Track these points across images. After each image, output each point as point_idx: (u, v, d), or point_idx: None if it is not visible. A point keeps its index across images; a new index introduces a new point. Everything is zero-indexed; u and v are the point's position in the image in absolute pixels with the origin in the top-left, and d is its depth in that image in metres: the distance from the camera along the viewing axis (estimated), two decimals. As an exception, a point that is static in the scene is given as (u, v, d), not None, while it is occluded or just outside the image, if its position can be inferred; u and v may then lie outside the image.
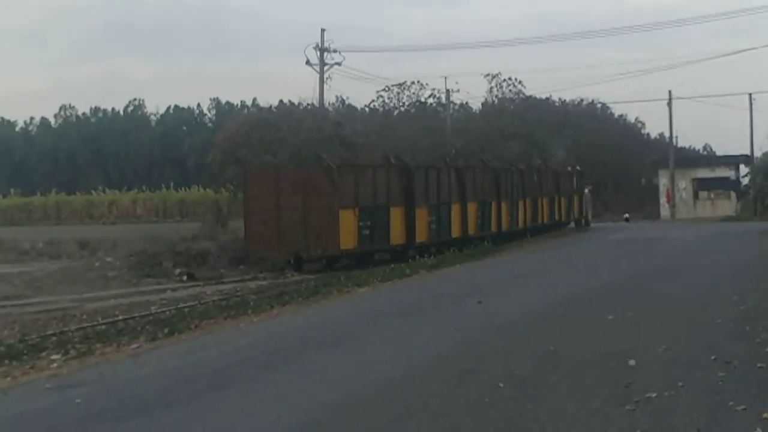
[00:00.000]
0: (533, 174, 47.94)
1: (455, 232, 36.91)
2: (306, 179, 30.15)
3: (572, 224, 54.52)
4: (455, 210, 37.08)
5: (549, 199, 49.67)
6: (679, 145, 79.19)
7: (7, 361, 14.39)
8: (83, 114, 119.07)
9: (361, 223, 30.71)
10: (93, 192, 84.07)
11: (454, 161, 40.73)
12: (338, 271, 28.52)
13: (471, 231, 38.15)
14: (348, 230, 30.07)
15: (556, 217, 51.11)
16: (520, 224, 44.66)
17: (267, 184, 30.71)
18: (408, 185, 33.77)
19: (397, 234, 32.78)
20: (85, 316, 20.76)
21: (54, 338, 16.59)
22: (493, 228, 40.80)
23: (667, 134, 75.97)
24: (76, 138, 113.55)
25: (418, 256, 31.65)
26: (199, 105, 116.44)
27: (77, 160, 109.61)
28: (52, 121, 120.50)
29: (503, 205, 42.19)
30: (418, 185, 34.32)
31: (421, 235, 34.12)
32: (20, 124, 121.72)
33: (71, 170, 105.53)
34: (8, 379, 12.98)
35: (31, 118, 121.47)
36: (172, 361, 14.32)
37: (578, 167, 57.29)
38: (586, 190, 57.93)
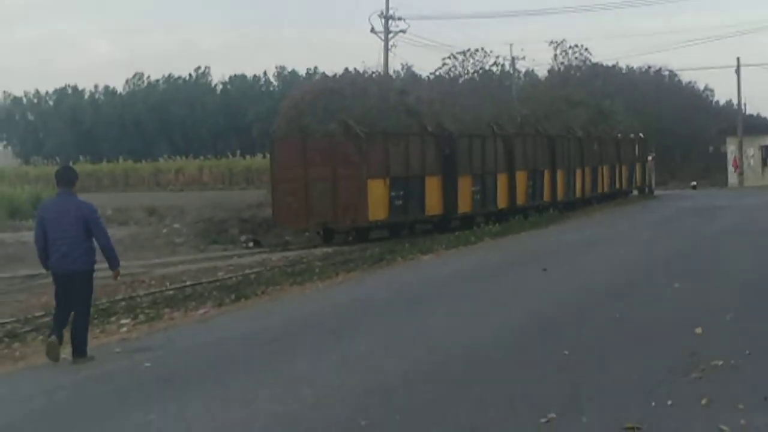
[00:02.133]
0: (593, 142, 47.15)
1: (501, 202, 36.11)
2: (334, 148, 29.15)
3: (635, 192, 53.99)
4: (502, 179, 36.18)
5: (610, 167, 48.94)
6: (748, 112, 78.05)
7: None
8: (156, 80, 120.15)
9: (393, 194, 29.90)
10: (160, 159, 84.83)
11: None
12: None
13: (520, 201, 37.36)
14: (378, 201, 29.30)
15: (617, 186, 50.37)
16: (578, 193, 43.99)
17: (295, 153, 29.69)
18: (451, 154, 32.95)
19: (433, 204, 31.94)
20: (153, 282, 21.05)
21: (123, 303, 16.86)
22: (546, 198, 40.09)
23: (735, 101, 75.07)
24: (143, 106, 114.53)
25: (483, 225, 31.56)
26: (265, 73, 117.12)
27: (144, 127, 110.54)
28: (120, 88, 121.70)
29: (559, 174, 41.43)
30: (461, 154, 33.47)
31: (464, 206, 33.30)
32: (87, 92, 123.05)
33: (138, 138, 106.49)
34: (79, 343, 13.20)
35: (96, 86, 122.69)
36: (239, 326, 14.49)
37: (641, 135, 56.69)
38: (650, 158, 57.36)
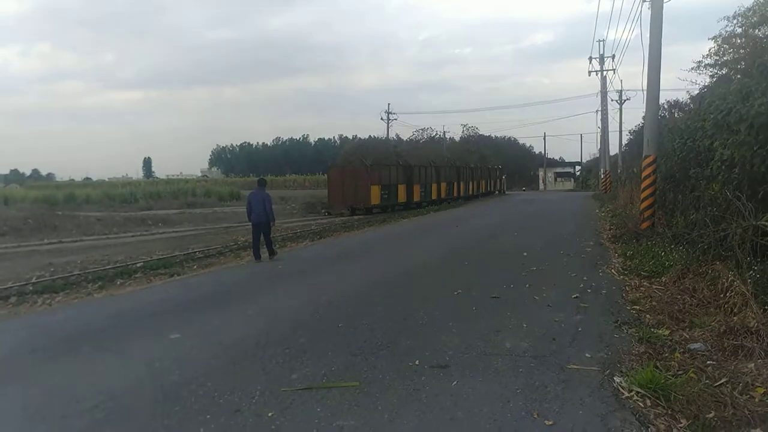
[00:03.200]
0: (477, 169, 46.52)
1: (434, 196, 35.00)
2: (357, 171, 28.30)
3: (497, 192, 53.66)
4: (434, 186, 35.12)
5: (485, 181, 48.22)
6: (549, 156, 77.75)
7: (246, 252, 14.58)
8: (285, 140, 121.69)
9: (382, 192, 29.02)
10: (286, 175, 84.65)
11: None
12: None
13: (443, 196, 36.35)
14: (375, 195, 28.43)
15: (489, 189, 49.61)
16: (471, 192, 42.91)
17: (338, 173, 28.75)
18: (411, 174, 31.96)
19: (401, 197, 30.88)
20: (282, 231, 20.97)
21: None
22: (455, 194, 38.94)
23: (543, 152, 75.12)
24: (280, 151, 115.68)
25: (427, 206, 31.20)
26: (333, 137, 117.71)
27: (278, 162, 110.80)
28: (269, 143, 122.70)
29: (461, 183, 40.54)
30: (415, 174, 32.50)
31: (416, 198, 32.36)
32: (254, 144, 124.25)
33: (276, 166, 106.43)
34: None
35: (257, 142, 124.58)
36: (322, 250, 14.40)
37: (500, 166, 56.36)
38: (503, 177, 56.96)
